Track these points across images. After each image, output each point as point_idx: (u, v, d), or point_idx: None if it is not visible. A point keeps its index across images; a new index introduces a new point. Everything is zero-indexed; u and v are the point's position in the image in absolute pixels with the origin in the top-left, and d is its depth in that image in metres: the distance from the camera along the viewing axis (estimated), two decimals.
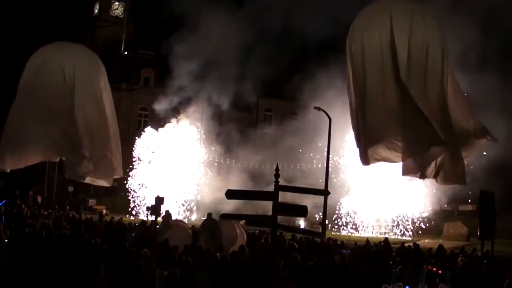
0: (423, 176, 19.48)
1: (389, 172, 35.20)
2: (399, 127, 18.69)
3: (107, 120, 24.40)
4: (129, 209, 45.00)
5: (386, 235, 33.25)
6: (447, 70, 18.86)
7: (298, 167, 42.91)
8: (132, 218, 41.10)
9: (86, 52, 25.76)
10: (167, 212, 27.88)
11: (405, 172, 19.68)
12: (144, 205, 43.57)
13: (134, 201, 45.19)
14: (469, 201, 43.11)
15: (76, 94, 23.71)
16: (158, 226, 21.24)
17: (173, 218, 29.99)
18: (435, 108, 18.70)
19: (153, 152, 45.51)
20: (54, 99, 23.64)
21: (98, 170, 23.81)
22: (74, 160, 23.56)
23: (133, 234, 21.04)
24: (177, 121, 45.82)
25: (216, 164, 47.43)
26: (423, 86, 18.47)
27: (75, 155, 23.45)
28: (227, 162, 47.87)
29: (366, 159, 19.27)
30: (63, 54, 24.52)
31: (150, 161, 45.82)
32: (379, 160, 19.49)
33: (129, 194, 45.57)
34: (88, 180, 24.65)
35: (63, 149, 23.84)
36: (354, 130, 19.83)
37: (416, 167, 18.96)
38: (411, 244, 23.74)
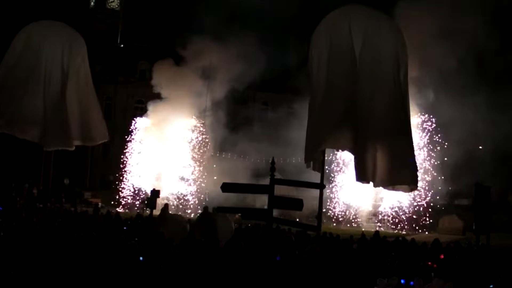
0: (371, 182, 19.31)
1: None
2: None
3: (66, 91, 24.40)
4: (125, 202, 45.10)
5: (380, 228, 33.38)
6: (401, 81, 18.74)
7: (294, 161, 42.87)
8: (127, 211, 41.20)
9: (61, 29, 25.77)
10: (166, 205, 27.95)
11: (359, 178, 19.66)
12: (140, 198, 43.72)
13: (127, 195, 45.31)
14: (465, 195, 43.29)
15: (42, 65, 24.01)
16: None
17: (170, 211, 30.07)
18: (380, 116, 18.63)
19: (140, 142, 45.68)
20: (20, 68, 24.04)
21: (53, 135, 23.90)
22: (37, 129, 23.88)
23: (124, 228, 21.06)
24: (174, 114, 45.75)
25: (212, 156, 47.44)
26: (372, 94, 18.43)
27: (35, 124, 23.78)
28: (223, 156, 47.84)
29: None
30: (35, 28, 24.83)
31: (146, 153, 45.88)
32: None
33: (125, 187, 45.66)
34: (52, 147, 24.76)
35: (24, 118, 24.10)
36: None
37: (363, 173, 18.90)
38: (406, 237, 23.83)
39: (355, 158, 18.60)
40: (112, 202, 45.03)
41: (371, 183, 18.59)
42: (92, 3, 69.49)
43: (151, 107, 46.47)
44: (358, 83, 18.17)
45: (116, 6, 69.10)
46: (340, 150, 18.73)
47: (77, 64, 24.80)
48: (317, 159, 18.57)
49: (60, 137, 24.03)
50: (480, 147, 42.71)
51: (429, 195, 39.70)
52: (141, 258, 11.57)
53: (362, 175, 18.42)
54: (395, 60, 18.49)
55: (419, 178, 37.95)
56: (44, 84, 23.88)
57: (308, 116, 19.21)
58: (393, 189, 20.03)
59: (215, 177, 41.26)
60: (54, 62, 24.23)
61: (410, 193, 38.98)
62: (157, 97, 46.21)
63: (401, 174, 18.37)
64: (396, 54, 18.57)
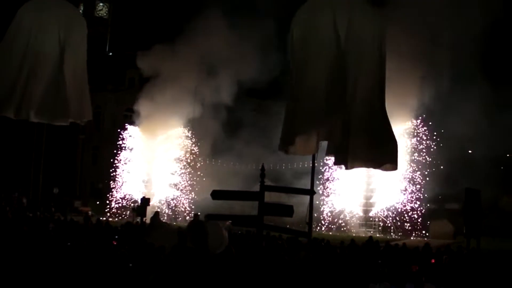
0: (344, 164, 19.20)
1: (375, 172, 35.45)
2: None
3: (63, 66, 24.19)
4: (115, 210, 44.95)
5: (372, 234, 33.39)
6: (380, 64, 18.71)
7: (284, 167, 42.90)
8: (116, 219, 41.04)
9: (61, 6, 25.61)
10: (156, 212, 27.91)
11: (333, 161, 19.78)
12: (130, 206, 43.58)
13: (117, 204, 45.19)
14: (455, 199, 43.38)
15: (31, 40, 23.90)
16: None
17: (161, 219, 29.99)
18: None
19: (130, 150, 45.61)
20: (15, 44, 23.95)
21: (47, 108, 23.66)
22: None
23: (116, 237, 20.93)
24: (164, 122, 45.64)
25: (201, 164, 47.32)
26: (356, 78, 18.42)
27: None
28: (213, 163, 47.76)
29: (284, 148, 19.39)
30: (33, 4, 24.72)
31: (136, 161, 45.76)
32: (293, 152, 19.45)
33: (115, 195, 45.51)
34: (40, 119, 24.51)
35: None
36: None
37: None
38: (398, 242, 23.81)
39: (332, 140, 18.57)
40: (103, 211, 44.83)
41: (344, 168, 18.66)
42: (80, 11, 69.33)
43: (140, 113, 46.29)
44: (341, 67, 18.10)
45: (105, 14, 68.99)
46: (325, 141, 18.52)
47: (76, 42, 24.57)
48: (292, 144, 18.57)
49: (54, 110, 23.79)
50: (470, 151, 42.83)
51: (419, 199, 39.76)
52: (130, 265, 11.53)
53: (339, 159, 18.52)
54: (377, 42, 18.45)
55: (410, 181, 38.62)
56: (33, 61, 23.66)
57: (286, 103, 19.26)
58: (379, 167, 19.87)
59: (205, 184, 41.19)
60: (48, 37, 23.99)
61: (403, 194, 39.24)
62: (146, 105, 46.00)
63: (377, 154, 18.28)
64: (378, 35, 18.52)
